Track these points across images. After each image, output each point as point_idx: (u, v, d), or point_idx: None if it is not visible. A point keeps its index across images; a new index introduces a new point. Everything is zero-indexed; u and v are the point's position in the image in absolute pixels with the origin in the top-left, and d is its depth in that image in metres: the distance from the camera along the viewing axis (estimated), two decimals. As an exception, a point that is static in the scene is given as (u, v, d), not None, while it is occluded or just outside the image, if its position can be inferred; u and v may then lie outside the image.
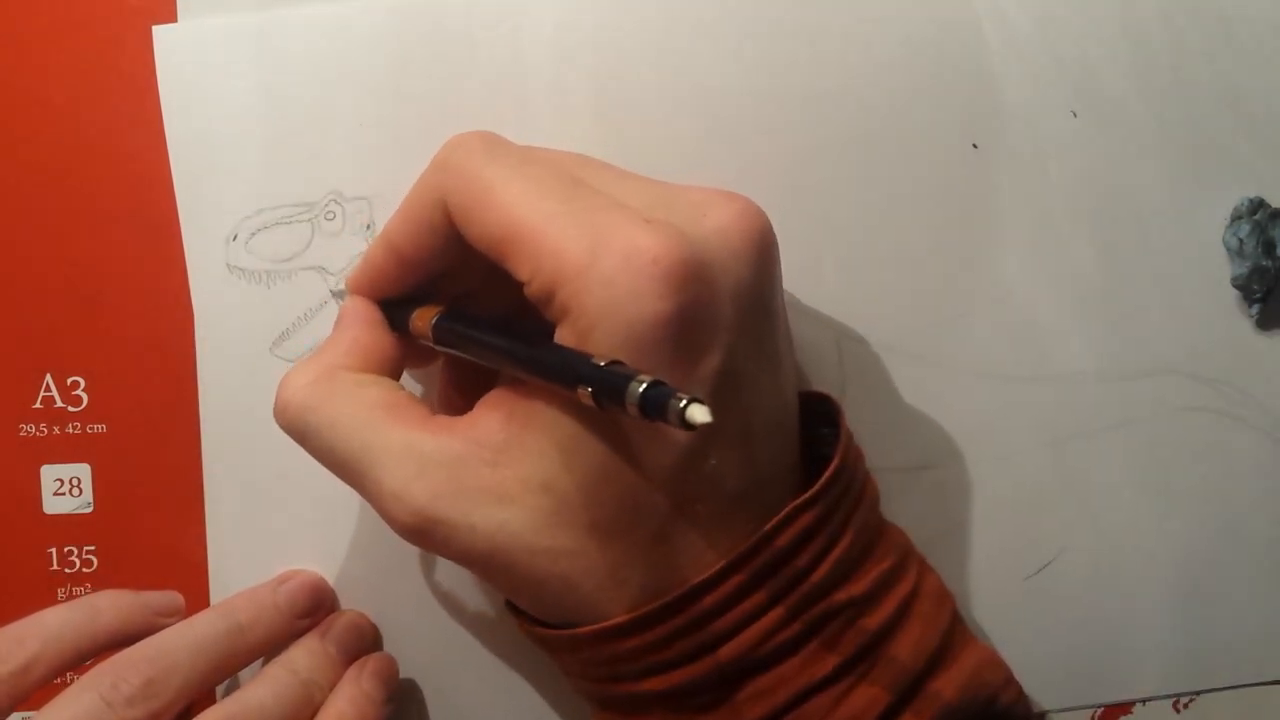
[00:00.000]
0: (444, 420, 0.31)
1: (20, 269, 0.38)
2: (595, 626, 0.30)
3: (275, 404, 0.33)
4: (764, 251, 0.31)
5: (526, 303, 0.30)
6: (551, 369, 0.29)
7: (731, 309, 0.29)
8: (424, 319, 0.33)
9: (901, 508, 0.37)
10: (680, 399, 0.25)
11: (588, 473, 0.29)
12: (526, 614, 0.33)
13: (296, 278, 0.38)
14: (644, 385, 0.26)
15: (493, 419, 0.31)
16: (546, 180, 0.30)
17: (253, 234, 0.38)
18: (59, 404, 0.39)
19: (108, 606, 0.36)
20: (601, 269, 0.28)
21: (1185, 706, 0.40)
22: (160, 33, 0.38)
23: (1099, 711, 0.40)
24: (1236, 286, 0.38)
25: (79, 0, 0.38)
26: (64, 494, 0.39)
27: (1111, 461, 0.39)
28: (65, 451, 0.39)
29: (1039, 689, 0.39)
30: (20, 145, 0.38)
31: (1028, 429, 0.39)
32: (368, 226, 0.38)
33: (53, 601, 0.39)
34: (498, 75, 0.37)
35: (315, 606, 0.38)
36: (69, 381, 0.39)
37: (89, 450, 0.39)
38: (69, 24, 0.38)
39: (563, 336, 0.29)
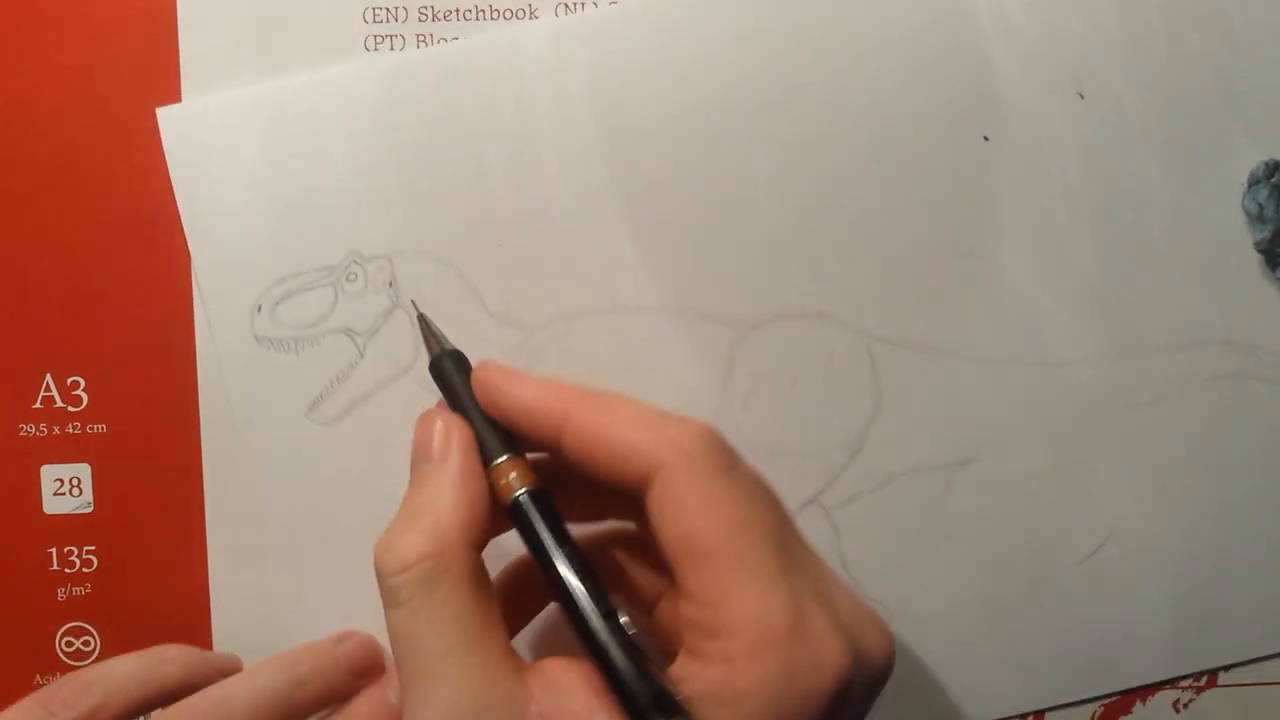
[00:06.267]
0: (520, 661, 0.30)
1: (20, 269, 0.38)
2: None
3: (389, 562, 0.30)
4: (881, 689, 0.31)
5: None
6: (628, 681, 0.28)
7: None
8: (509, 480, 0.31)
9: (949, 504, 0.38)
10: None
11: None
12: None
13: (324, 342, 0.38)
14: None
15: (574, 701, 0.29)
16: (772, 534, 0.29)
17: (277, 303, 0.38)
18: (59, 404, 0.39)
19: (174, 658, 0.36)
20: (791, 653, 0.28)
21: (1185, 707, 0.40)
22: (165, 114, 0.38)
23: (1098, 711, 0.40)
24: (1260, 251, 0.38)
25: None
26: (64, 494, 0.39)
27: (1156, 437, 0.39)
28: (65, 451, 0.39)
29: (1136, 660, 0.40)
30: (20, 145, 0.38)
31: (1065, 414, 0.39)
32: (390, 283, 0.38)
33: (53, 601, 0.39)
34: (501, 120, 0.38)
35: (371, 666, 0.38)
36: (69, 381, 0.39)
37: (89, 450, 0.39)
38: (70, 23, 0.38)
39: (697, 670, 0.28)
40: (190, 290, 0.38)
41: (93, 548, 0.39)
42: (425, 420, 0.32)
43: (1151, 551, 0.39)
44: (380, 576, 0.30)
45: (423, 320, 0.35)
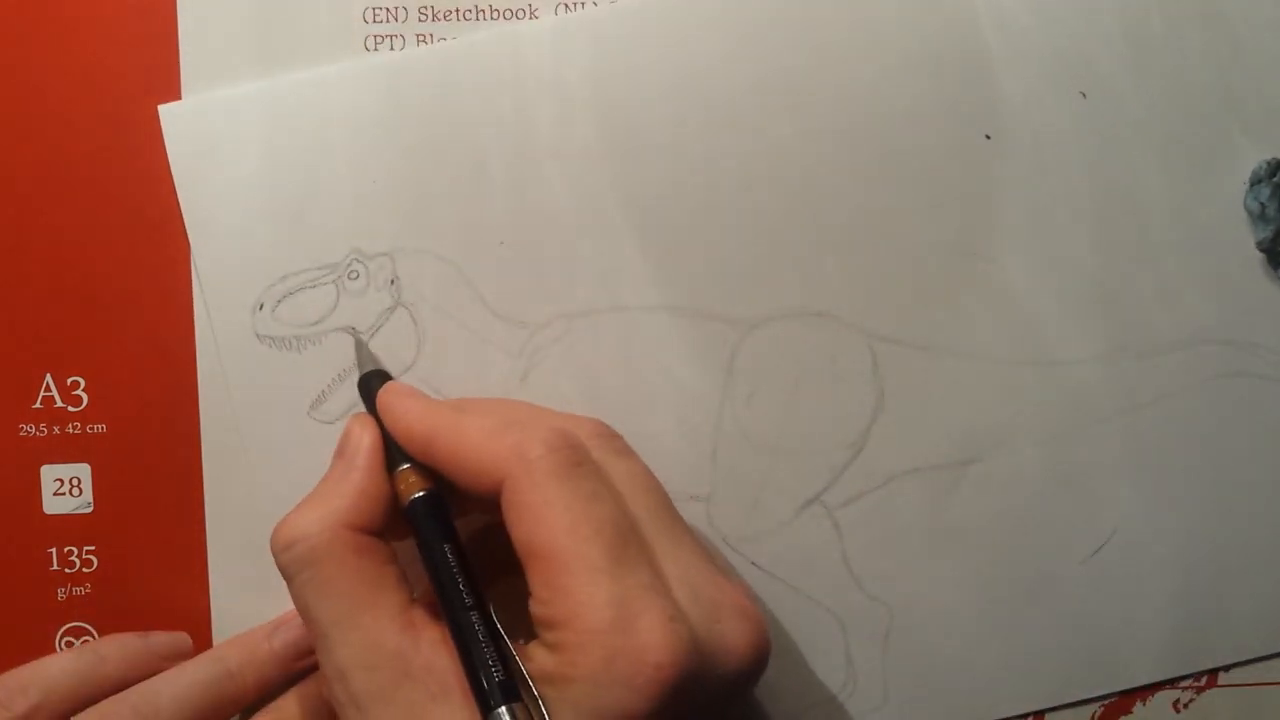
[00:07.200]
0: (418, 619, 0.32)
1: (20, 269, 0.38)
2: None
3: (277, 540, 0.33)
4: (751, 683, 0.32)
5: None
6: (476, 669, 0.31)
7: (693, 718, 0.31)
8: (407, 484, 0.34)
9: (950, 503, 0.38)
10: None
11: None
12: None
13: (326, 340, 0.38)
14: None
15: (450, 660, 0.31)
16: (605, 530, 0.31)
17: (279, 301, 0.38)
18: (59, 404, 0.39)
19: (112, 654, 0.37)
20: (611, 643, 0.29)
21: (1185, 707, 0.40)
22: (167, 111, 0.38)
23: (1098, 711, 0.40)
24: (1262, 250, 0.38)
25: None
26: (64, 494, 0.39)
27: (1157, 437, 0.39)
28: (65, 451, 0.39)
29: (1136, 660, 0.40)
30: (20, 144, 0.38)
31: (1066, 413, 0.39)
32: (392, 282, 0.38)
33: (53, 601, 0.39)
34: (501, 119, 0.38)
35: (310, 649, 0.37)
36: (69, 381, 0.38)
37: (89, 450, 0.39)
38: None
39: (540, 657, 0.30)
40: (190, 290, 0.38)
41: (93, 548, 0.39)
42: (348, 423, 0.36)
43: (1152, 551, 0.39)
44: (272, 553, 0.33)
45: (358, 344, 0.38)
